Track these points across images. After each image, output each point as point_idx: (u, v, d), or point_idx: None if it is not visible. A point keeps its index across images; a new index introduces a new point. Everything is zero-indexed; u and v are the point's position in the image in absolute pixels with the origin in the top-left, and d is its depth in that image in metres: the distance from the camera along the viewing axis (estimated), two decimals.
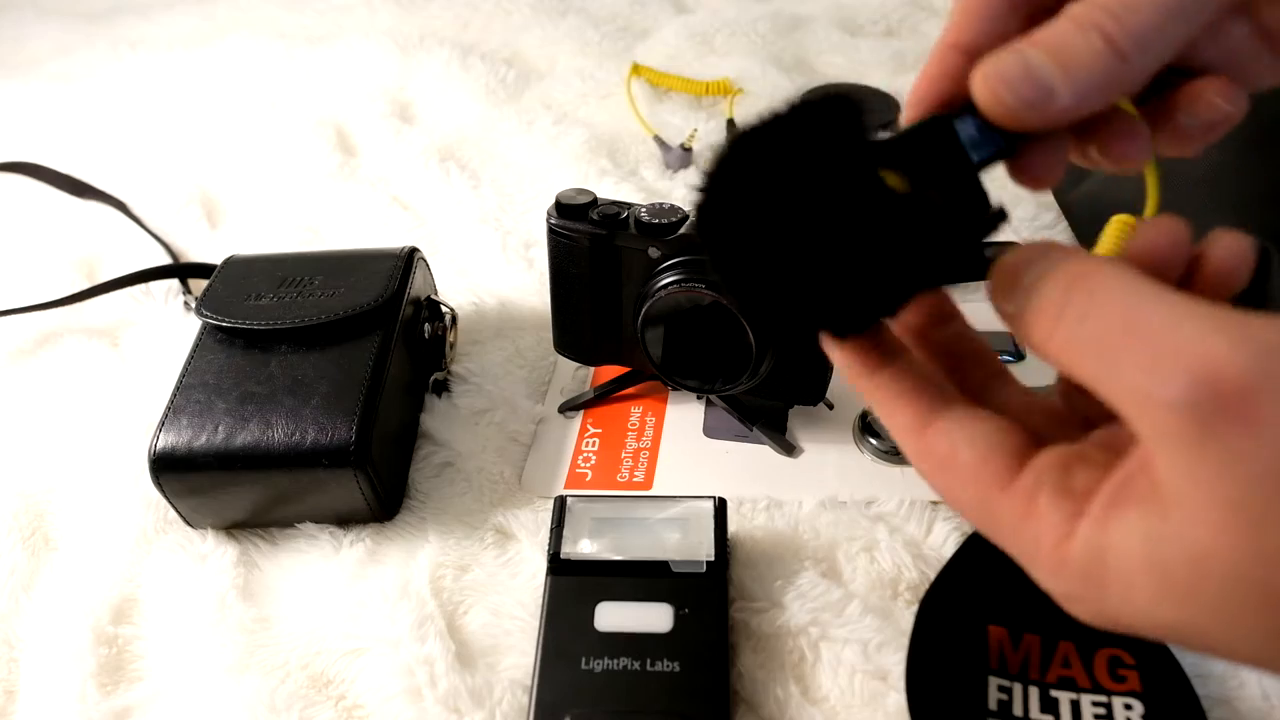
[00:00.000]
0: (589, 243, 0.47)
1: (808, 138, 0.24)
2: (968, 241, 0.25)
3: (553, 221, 0.48)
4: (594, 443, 0.51)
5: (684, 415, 0.52)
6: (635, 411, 0.53)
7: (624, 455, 0.50)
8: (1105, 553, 0.21)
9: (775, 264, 0.24)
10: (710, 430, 0.51)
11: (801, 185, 0.23)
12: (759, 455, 0.50)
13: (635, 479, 0.49)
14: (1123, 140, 0.26)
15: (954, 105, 0.25)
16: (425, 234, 0.68)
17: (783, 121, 0.24)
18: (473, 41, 0.91)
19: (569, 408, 0.53)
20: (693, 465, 0.50)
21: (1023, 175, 0.26)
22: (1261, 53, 0.25)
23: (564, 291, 0.50)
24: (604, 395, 0.53)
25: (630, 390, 0.54)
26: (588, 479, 0.49)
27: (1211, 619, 0.20)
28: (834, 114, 0.24)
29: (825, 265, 0.24)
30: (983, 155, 0.24)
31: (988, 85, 0.23)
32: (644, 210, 0.46)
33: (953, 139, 0.24)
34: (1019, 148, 0.25)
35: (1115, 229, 0.31)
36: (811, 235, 0.23)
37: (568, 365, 0.56)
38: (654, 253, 0.46)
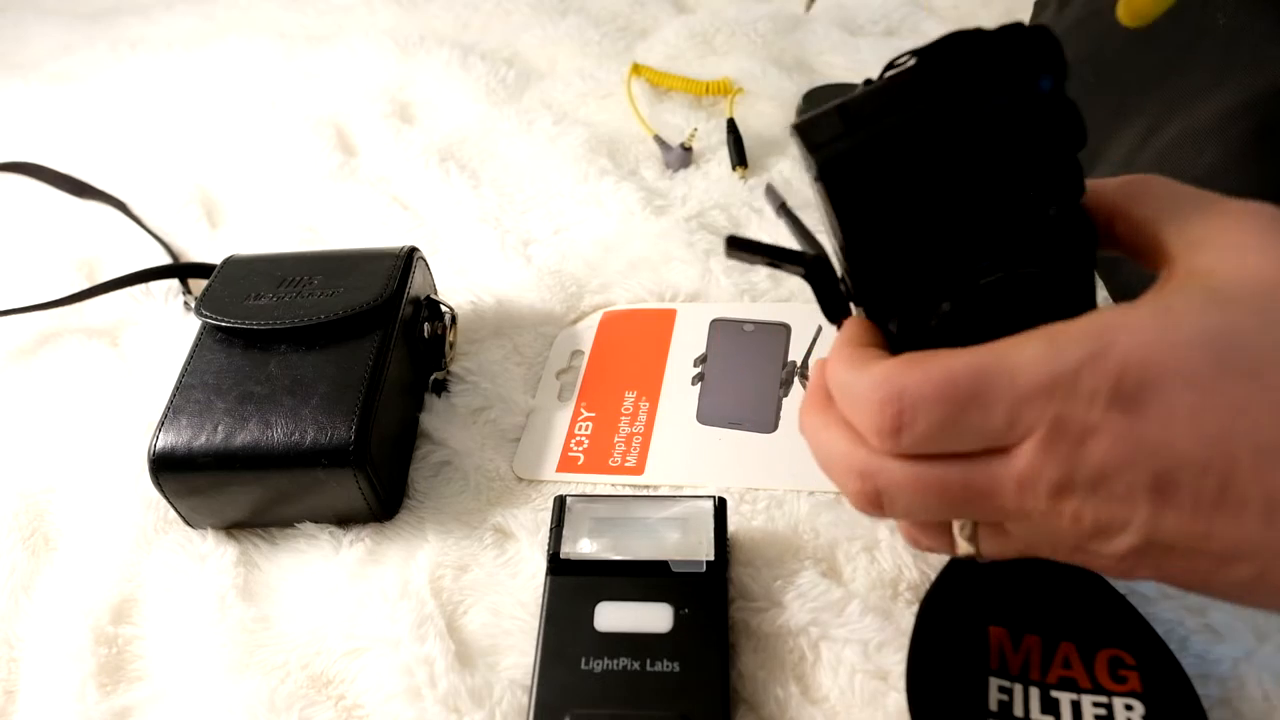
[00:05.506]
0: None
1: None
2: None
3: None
4: (587, 426, 0.51)
5: (677, 401, 0.52)
6: (629, 396, 0.53)
7: (616, 440, 0.50)
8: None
9: None
10: (703, 416, 0.51)
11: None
12: (751, 442, 0.50)
13: (628, 464, 0.49)
14: None
15: None
16: (425, 234, 0.68)
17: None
18: (473, 41, 0.90)
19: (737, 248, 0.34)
20: (685, 451, 0.50)
21: None
22: None
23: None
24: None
25: (628, 374, 0.53)
26: (580, 463, 0.49)
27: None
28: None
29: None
30: None
31: None
32: None
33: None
34: None
35: None
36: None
37: (561, 353, 0.56)
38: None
